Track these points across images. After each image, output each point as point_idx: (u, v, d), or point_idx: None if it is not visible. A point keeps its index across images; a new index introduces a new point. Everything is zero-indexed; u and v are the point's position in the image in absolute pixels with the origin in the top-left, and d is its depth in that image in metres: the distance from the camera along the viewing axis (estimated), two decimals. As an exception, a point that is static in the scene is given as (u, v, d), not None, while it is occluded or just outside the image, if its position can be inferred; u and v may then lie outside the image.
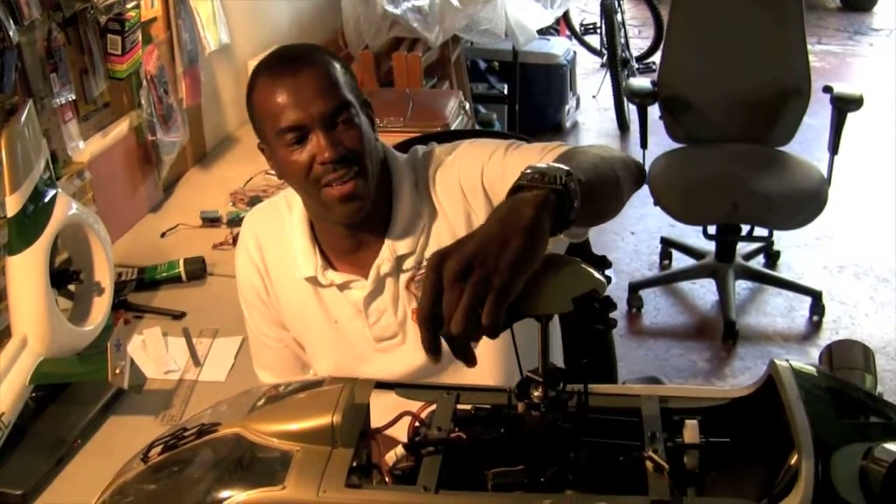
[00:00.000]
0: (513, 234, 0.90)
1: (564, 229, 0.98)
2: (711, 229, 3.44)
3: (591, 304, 0.91)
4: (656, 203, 3.27)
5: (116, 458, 1.12)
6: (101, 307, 1.83)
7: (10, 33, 1.86)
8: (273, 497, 0.93)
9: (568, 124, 5.04)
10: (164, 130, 2.54)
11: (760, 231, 3.48)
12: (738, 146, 3.36)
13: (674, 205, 3.23)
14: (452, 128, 3.04)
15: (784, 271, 3.72)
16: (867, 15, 7.21)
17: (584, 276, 0.93)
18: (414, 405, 1.06)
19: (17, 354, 1.64)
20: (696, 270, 3.60)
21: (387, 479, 0.99)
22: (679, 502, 0.92)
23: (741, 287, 3.55)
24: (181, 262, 2.18)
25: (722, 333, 3.30)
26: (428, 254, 1.41)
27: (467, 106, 3.31)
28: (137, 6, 2.32)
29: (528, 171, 0.99)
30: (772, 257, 3.76)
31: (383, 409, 1.08)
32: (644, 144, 3.38)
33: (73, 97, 2.14)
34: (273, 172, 1.48)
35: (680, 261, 3.75)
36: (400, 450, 1.02)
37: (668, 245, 3.80)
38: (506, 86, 4.68)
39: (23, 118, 1.68)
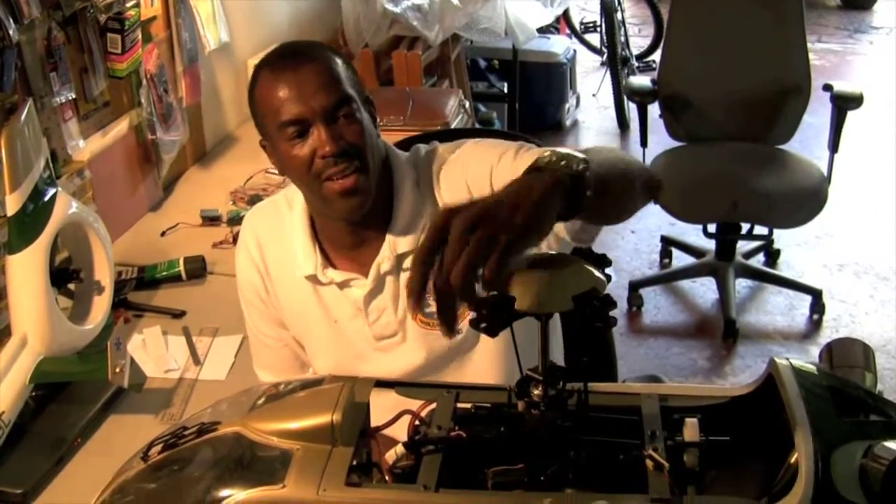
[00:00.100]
0: (523, 202, 0.91)
1: (574, 215, 0.98)
2: (711, 228, 3.43)
3: (592, 303, 0.91)
4: (656, 201, 3.25)
5: (116, 457, 1.12)
6: (101, 306, 1.83)
7: (10, 32, 1.86)
8: (273, 496, 0.93)
9: (568, 123, 5.03)
10: (163, 129, 2.54)
11: (760, 229, 3.47)
12: (738, 145, 3.36)
13: (674, 203, 3.23)
14: (452, 126, 3.04)
15: (784, 270, 3.72)
16: (867, 13, 7.20)
17: (585, 275, 0.93)
18: (414, 404, 1.06)
19: (17, 353, 1.64)
20: (697, 269, 3.59)
21: (387, 477, 0.99)
22: (679, 501, 0.91)
23: (741, 285, 3.55)
24: (181, 261, 2.19)
25: (722, 332, 3.30)
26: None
27: (467, 104, 3.31)
28: (137, 5, 2.32)
29: (548, 153, 0.99)
30: (772, 256, 3.75)
31: (383, 407, 1.08)
32: (644, 143, 3.37)
33: (73, 96, 2.14)
34: (273, 171, 1.48)
35: (680, 259, 3.75)
36: (400, 448, 1.02)
37: (668, 243, 3.80)
38: (506, 84, 4.67)
39: (23, 117, 1.68)
